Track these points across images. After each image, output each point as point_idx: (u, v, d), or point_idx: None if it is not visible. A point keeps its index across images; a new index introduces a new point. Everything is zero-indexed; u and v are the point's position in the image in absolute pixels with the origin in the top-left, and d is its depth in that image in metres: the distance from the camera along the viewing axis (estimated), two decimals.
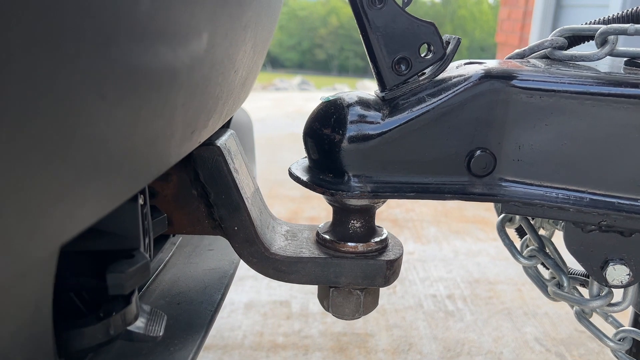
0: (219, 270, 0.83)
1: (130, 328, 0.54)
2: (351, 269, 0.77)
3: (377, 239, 0.80)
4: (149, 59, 0.36)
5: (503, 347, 1.88)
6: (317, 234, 0.82)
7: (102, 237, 0.52)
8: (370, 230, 0.81)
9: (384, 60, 0.72)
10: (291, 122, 5.48)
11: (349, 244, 0.78)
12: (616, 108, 0.68)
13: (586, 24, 0.82)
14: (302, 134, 0.78)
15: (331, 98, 0.76)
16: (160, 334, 0.56)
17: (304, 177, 0.77)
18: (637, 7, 0.79)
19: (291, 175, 0.79)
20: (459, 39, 0.74)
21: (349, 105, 0.74)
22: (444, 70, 0.74)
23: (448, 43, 0.76)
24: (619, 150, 0.69)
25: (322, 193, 0.74)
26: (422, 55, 0.74)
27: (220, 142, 0.74)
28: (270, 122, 5.50)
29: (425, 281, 2.37)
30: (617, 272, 0.73)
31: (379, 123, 0.72)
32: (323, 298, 0.83)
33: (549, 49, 0.82)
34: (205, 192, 0.75)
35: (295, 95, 7.82)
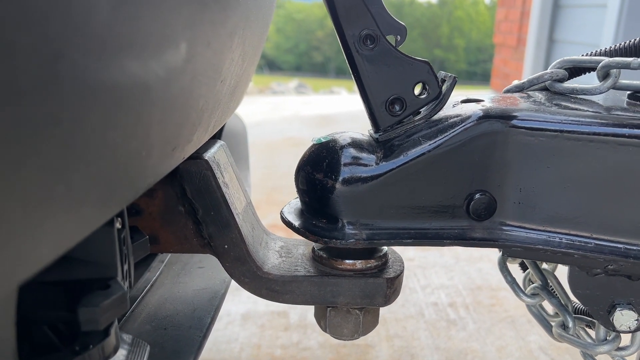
0: (209, 290, 0.78)
1: None
2: (349, 288, 0.73)
3: (376, 255, 0.76)
4: (111, 75, 0.32)
5: (507, 357, 1.83)
6: (313, 250, 0.78)
7: (75, 266, 0.48)
8: None
9: (377, 100, 0.69)
10: (288, 126, 5.44)
11: (347, 261, 0.74)
12: (621, 150, 0.65)
13: (586, 55, 0.79)
14: (293, 176, 0.75)
15: (323, 140, 0.73)
16: None
17: (296, 223, 0.74)
18: (639, 39, 0.76)
19: (283, 220, 0.76)
20: (454, 77, 0.72)
21: (342, 148, 0.71)
22: (440, 109, 0.71)
23: (444, 81, 0.73)
24: (625, 194, 0.67)
25: (315, 241, 0.71)
26: (417, 94, 0.71)
27: (208, 155, 0.70)
28: (267, 126, 5.46)
29: (426, 289, 2.33)
30: (625, 318, 0.69)
31: (374, 167, 0.69)
32: (320, 318, 0.79)
33: (548, 82, 0.78)
34: (193, 209, 0.70)
35: (292, 99, 7.78)
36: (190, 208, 0.70)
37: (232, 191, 0.74)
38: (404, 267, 0.77)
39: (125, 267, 0.52)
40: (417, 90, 0.71)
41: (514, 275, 0.84)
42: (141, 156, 0.42)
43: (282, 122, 5.66)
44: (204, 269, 0.84)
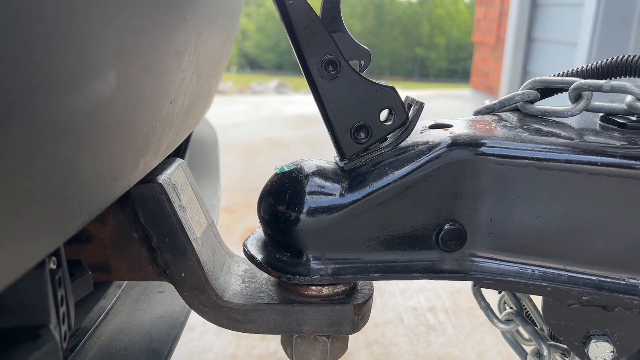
0: (168, 318, 0.74)
1: None
2: (315, 316, 0.69)
3: None
4: (24, 115, 0.27)
5: None
6: None
7: (2, 313, 0.43)
8: None
9: (341, 128, 0.66)
10: (268, 127, 5.38)
11: (313, 287, 0.70)
12: (593, 179, 0.63)
13: (558, 75, 0.76)
14: (256, 205, 0.71)
15: (286, 169, 0.69)
16: None
17: (259, 257, 0.70)
18: (610, 59, 0.74)
19: (245, 252, 0.72)
20: (421, 103, 0.69)
21: (305, 177, 0.67)
22: (407, 136, 0.68)
23: (410, 106, 0.69)
24: (598, 225, 0.64)
25: (278, 277, 0.68)
26: (383, 120, 0.67)
27: (163, 177, 0.66)
28: (247, 126, 5.40)
29: (405, 292, 2.30)
30: (600, 349, 0.67)
31: (339, 197, 0.66)
32: (286, 345, 0.75)
33: (520, 103, 0.76)
34: (147, 235, 0.66)
35: (272, 99, 7.73)
36: (144, 234, 0.66)
37: (191, 214, 0.70)
38: (373, 290, 0.74)
39: (63, 309, 0.48)
40: (383, 116, 0.68)
41: (487, 301, 0.81)
42: (66, 196, 0.37)
43: (262, 123, 5.60)
44: (164, 294, 0.79)
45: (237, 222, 2.87)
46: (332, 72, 0.64)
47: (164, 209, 0.64)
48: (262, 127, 5.38)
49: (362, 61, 0.67)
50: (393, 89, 0.67)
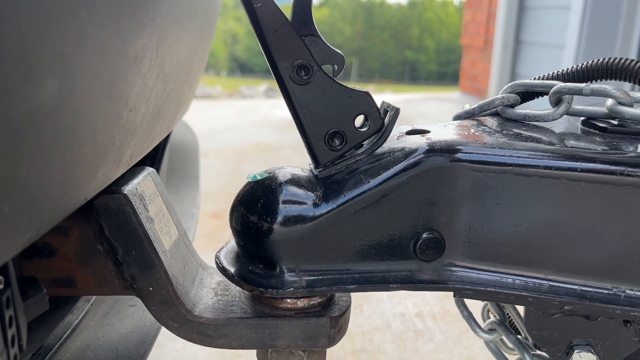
0: (137, 333, 0.71)
1: None
2: (289, 330, 0.66)
3: None
4: None
5: None
6: None
7: None
8: None
9: (315, 135, 0.64)
10: (257, 131, 5.35)
11: (288, 299, 0.67)
12: (574, 185, 0.61)
13: (538, 78, 0.75)
14: (228, 215, 0.69)
15: (259, 177, 0.66)
16: None
17: (231, 269, 0.67)
18: (591, 62, 0.73)
19: (218, 265, 0.70)
20: (397, 109, 0.66)
21: (278, 186, 0.65)
22: (383, 142, 0.66)
23: (386, 112, 0.67)
24: (580, 233, 0.62)
25: (250, 291, 0.65)
26: (358, 127, 0.65)
27: (129, 187, 0.63)
28: (236, 131, 5.37)
29: (394, 298, 2.28)
30: None
31: (313, 207, 0.63)
32: (261, 359, 0.72)
33: (500, 107, 0.74)
34: (112, 248, 0.63)
35: (261, 103, 7.69)
36: (109, 247, 0.63)
37: (160, 225, 0.67)
38: (350, 301, 0.71)
39: (12, 331, 0.45)
40: (358, 122, 0.65)
41: (470, 310, 0.79)
42: (4, 212, 0.35)
43: (251, 127, 5.57)
44: (135, 308, 0.76)
45: (224, 228, 2.84)
46: (304, 77, 0.62)
47: (130, 220, 0.62)
48: (250, 132, 5.35)
49: (335, 65, 0.64)
50: (368, 94, 0.64)
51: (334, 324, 0.67)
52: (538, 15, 4.92)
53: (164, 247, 0.66)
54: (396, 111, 0.66)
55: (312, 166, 0.69)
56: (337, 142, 0.65)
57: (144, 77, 0.52)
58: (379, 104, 0.68)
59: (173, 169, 1.27)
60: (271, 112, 6.42)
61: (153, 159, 1.03)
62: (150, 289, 0.64)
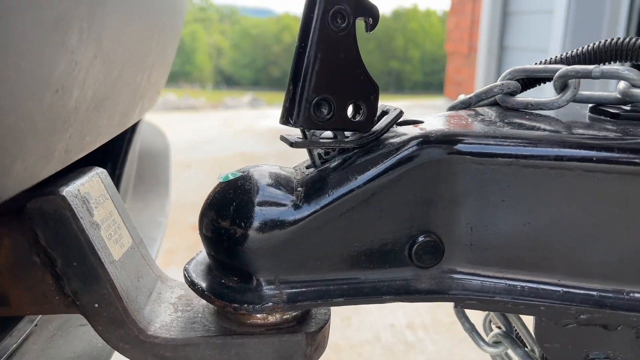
0: (86, 357, 0.62)
1: None
2: (259, 350, 0.58)
3: None
4: None
5: None
6: None
7: None
8: None
9: (307, 92, 0.53)
10: (241, 142, 5.27)
11: (257, 314, 0.59)
12: (588, 177, 0.53)
13: (541, 63, 0.67)
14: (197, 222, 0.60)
15: (231, 177, 0.58)
16: None
17: (202, 283, 0.59)
18: (599, 43, 0.65)
19: (186, 279, 0.61)
20: (400, 111, 0.59)
21: (253, 186, 0.56)
22: (367, 141, 0.58)
23: (385, 113, 0.60)
24: (597, 230, 0.55)
25: (223, 307, 0.57)
26: (351, 116, 0.57)
27: (69, 188, 0.54)
28: (219, 142, 5.28)
29: (383, 309, 2.19)
30: None
31: (293, 209, 0.55)
32: None
33: (499, 96, 0.67)
34: (50, 259, 0.54)
35: (245, 113, 7.62)
36: (46, 258, 0.54)
37: (108, 232, 0.59)
38: (330, 315, 0.63)
39: None
40: (353, 109, 0.57)
41: (472, 321, 0.71)
42: None
43: (234, 138, 5.49)
44: (86, 327, 0.67)
45: None
46: (341, 26, 0.52)
47: (69, 226, 0.53)
48: (234, 143, 5.26)
49: (370, 19, 0.55)
50: (377, 89, 0.56)
51: (310, 340, 0.59)
52: (521, 21, 4.91)
53: (112, 257, 0.57)
54: (399, 112, 0.59)
55: (299, 167, 0.61)
56: (324, 112, 0.56)
57: (72, 53, 0.44)
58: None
59: (142, 175, 1.18)
60: (256, 123, 6.34)
61: (115, 162, 0.94)
62: (96, 305, 0.55)
